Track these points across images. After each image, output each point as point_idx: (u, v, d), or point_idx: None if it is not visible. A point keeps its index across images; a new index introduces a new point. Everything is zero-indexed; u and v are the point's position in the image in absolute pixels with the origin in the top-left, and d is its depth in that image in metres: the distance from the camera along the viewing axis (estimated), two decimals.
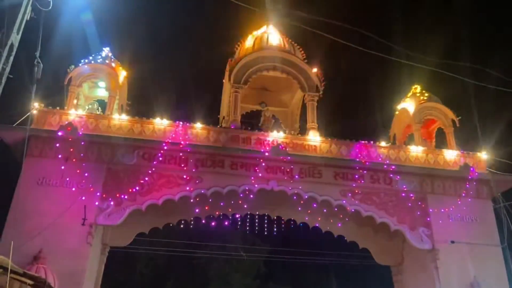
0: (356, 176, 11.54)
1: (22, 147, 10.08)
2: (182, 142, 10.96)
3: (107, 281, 12.02)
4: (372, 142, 12.17)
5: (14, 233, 9.06)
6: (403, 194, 11.62)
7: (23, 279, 7.13)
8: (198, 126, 11.46)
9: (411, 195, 11.66)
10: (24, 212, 9.68)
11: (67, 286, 9.10)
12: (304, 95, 13.14)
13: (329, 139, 11.99)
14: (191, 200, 10.78)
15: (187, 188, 10.67)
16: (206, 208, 11.43)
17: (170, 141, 10.95)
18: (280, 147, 11.40)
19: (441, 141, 13.33)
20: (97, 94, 13.04)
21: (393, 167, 11.74)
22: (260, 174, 11.11)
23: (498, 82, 10.90)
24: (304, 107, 13.52)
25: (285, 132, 12.26)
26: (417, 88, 13.86)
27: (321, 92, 12.73)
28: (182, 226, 12.19)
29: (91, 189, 10.25)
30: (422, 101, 13.28)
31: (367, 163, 11.64)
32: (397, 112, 13.99)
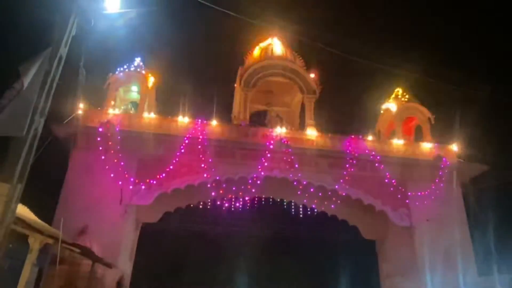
0: (347, 165, 11.68)
1: (70, 141, 10.46)
2: (200, 137, 11.13)
3: (139, 252, 12.05)
4: (360, 136, 12.25)
5: (65, 212, 9.25)
6: (387, 180, 11.79)
7: (72, 248, 7.37)
8: (214, 123, 11.59)
9: (393, 181, 11.76)
10: (73, 194, 9.89)
11: (108, 254, 9.25)
12: (303, 97, 13.18)
13: (324, 134, 12.04)
14: (208, 185, 10.96)
15: (205, 175, 10.86)
16: (221, 192, 11.51)
17: (190, 136, 11.10)
18: (283, 141, 11.49)
19: (419, 136, 13.32)
20: (130, 96, 13.17)
21: (378, 157, 11.86)
22: (266, 164, 11.25)
23: (469, 84, 10.75)
24: (303, 107, 13.57)
25: (287, 128, 12.32)
26: (399, 91, 13.81)
27: (317, 94, 12.81)
28: (201, 206, 12.34)
29: (126, 176, 10.44)
30: (403, 102, 13.31)
31: (356, 154, 11.76)
32: (382, 111, 14.03)
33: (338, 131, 12.28)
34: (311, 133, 12.00)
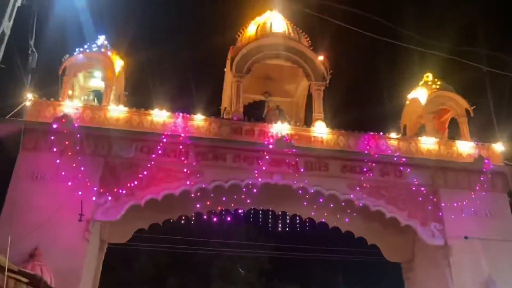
0: (365, 169, 11.62)
1: (15, 140, 10.29)
2: (182, 135, 11.02)
3: (106, 279, 12.04)
4: (381, 133, 12.23)
5: (9, 230, 8.90)
6: (414, 188, 11.64)
7: (18, 277, 7.18)
8: (199, 117, 11.50)
9: (422, 188, 11.72)
10: (19, 208, 9.71)
11: (64, 284, 9.12)
12: (309, 85, 13.17)
13: (336, 130, 12.02)
14: (192, 195, 10.84)
15: (188, 183, 10.74)
16: (208, 203, 11.43)
17: (169, 133, 11.00)
18: (285, 139, 11.44)
19: (454, 132, 13.34)
20: (93, 84, 13.06)
21: (404, 159, 11.80)
22: (263, 168, 11.18)
23: None
24: (310, 97, 13.56)
25: (290, 124, 12.31)
26: (428, 76, 13.82)
27: (327, 81, 12.74)
28: (183, 221, 12.26)
29: (88, 184, 10.30)
30: (434, 90, 13.25)
31: (376, 155, 11.71)
32: (407, 102, 13.98)
33: (354, 127, 12.28)
34: (320, 129, 12.00)
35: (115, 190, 10.42)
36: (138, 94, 13.05)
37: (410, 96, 13.84)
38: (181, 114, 11.41)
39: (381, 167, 11.72)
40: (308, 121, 13.26)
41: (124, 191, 10.42)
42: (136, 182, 10.54)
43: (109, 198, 10.32)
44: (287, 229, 13.03)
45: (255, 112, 13.32)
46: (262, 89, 14.36)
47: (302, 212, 12.51)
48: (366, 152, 11.72)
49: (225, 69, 13.93)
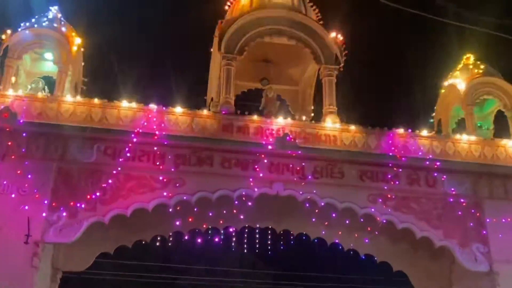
0: (389, 176, 11.64)
1: None
2: (157, 133, 10.95)
3: None
4: (409, 130, 12.22)
5: None
6: (451, 200, 11.72)
7: None
8: (178, 110, 11.45)
9: (462, 200, 11.74)
10: None
11: None
12: (319, 69, 13.14)
13: (353, 126, 12.01)
14: (170, 210, 10.76)
15: (164, 194, 10.68)
16: (190, 220, 11.50)
17: (141, 131, 10.94)
18: (288, 138, 11.38)
19: (501, 129, 13.42)
20: (42, 69, 13.00)
21: (438, 163, 11.78)
22: (261, 175, 11.13)
23: None
24: (319, 84, 13.52)
25: (294, 118, 12.35)
26: (469, 58, 13.84)
27: (342, 65, 12.75)
28: (158, 243, 12.21)
29: (37, 196, 10.22)
30: (477, 76, 13.25)
31: (403, 158, 11.69)
32: (442, 91, 13.97)
33: (375, 122, 12.30)
34: (332, 125, 12.01)
35: (71, 204, 10.33)
36: (101, 82, 13.16)
37: (446, 83, 13.85)
38: (155, 106, 11.35)
39: (410, 173, 11.73)
40: (317, 115, 13.25)
41: (82, 205, 10.34)
42: (98, 194, 10.47)
43: (64, 214, 10.22)
44: (291, 252, 13.41)
45: (250, 104, 13.29)
46: (258, 75, 14.42)
47: (310, 230, 12.53)
48: (390, 154, 11.72)
49: (211, 50, 13.92)
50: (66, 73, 11.96)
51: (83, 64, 12.97)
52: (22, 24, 11.85)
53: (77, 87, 12.73)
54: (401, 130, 12.16)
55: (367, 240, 12.26)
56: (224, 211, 11.48)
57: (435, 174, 11.79)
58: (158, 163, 10.87)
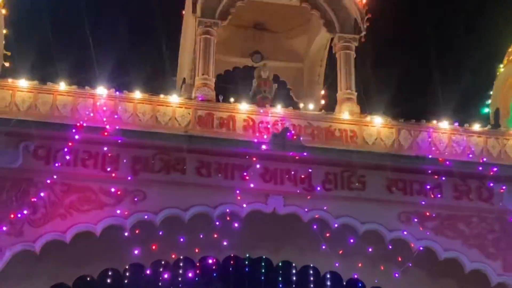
0: (428, 187, 11.62)
1: None
2: (107, 127, 10.84)
3: None
4: (456, 124, 12.30)
5: None
6: None
7: None
8: (137, 96, 11.39)
9: None
10: None
11: None
12: (332, 40, 13.25)
13: (379, 119, 12.06)
14: (126, 234, 10.72)
15: (118, 212, 10.57)
16: (154, 247, 11.30)
17: (85, 124, 10.78)
18: (289, 134, 11.30)
19: None
20: None
21: (495, 168, 11.74)
22: (252, 185, 11.10)
23: None
24: (331, 60, 13.68)
25: (297, 107, 12.45)
26: None
27: (363, 34, 12.79)
28: (109, 280, 12.04)
29: None
30: None
31: (447, 162, 11.65)
32: (501, 70, 14.03)
33: (407, 113, 12.42)
34: (350, 117, 12.04)
35: None
36: (30, 58, 12.60)
37: (506, 60, 13.95)
38: (106, 90, 11.26)
39: (457, 182, 11.74)
40: (329, 104, 13.40)
41: (4, 228, 10.14)
42: (26, 212, 10.27)
43: None
44: None
45: (237, 88, 13.30)
46: (249, 48, 14.56)
47: (319, 262, 12.39)
48: (430, 156, 11.72)
49: (183, 12, 13.96)
50: None
51: (5, 32, 12.63)
52: None
53: None
54: (444, 124, 12.20)
55: (397, 275, 11.97)
56: (201, 236, 11.25)
57: (491, 184, 11.74)
58: (109, 169, 10.76)
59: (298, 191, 11.16)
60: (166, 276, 12.09)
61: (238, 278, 13.02)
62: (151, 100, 11.37)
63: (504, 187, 11.68)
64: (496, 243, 11.44)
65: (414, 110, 12.71)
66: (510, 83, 13.86)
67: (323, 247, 11.58)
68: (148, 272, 11.89)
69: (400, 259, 11.77)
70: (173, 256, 11.77)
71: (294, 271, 12.67)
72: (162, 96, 11.53)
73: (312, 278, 12.67)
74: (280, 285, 12.89)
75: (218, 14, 12.30)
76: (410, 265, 11.81)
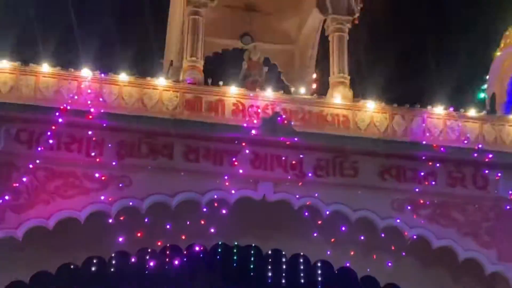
0: (422, 174, 11.60)
1: None
2: (92, 110, 10.75)
3: None
4: (451, 109, 12.25)
5: None
6: (508, 207, 11.70)
7: None
8: (123, 79, 11.29)
9: None
10: None
11: None
12: (324, 21, 13.27)
13: (372, 103, 12.01)
14: (110, 221, 10.67)
15: (102, 198, 10.56)
16: (139, 235, 11.18)
17: (69, 107, 10.68)
18: (279, 119, 11.28)
19: None
20: None
21: (491, 155, 11.72)
22: (241, 171, 11.09)
23: None
24: (324, 42, 13.78)
25: (288, 91, 12.45)
26: None
27: (357, 15, 12.78)
28: (94, 268, 11.90)
29: None
30: None
31: (442, 148, 11.64)
32: (498, 54, 13.89)
33: (401, 98, 12.38)
34: (343, 101, 12.04)
35: None
36: (12, 38, 12.49)
37: (502, 43, 13.83)
38: (90, 72, 11.14)
39: (451, 169, 11.72)
40: (321, 87, 13.39)
41: None
42: (7, 197, 10.20)
43: None
44: (283, 281, 12.96)
45: (226, 70, 13.04)
46: (238, 29, 14.60)
47: (309, 250, 12.27)
48: (424, 142, 11.70)
49: None
50: None
51: None
52: None
53: None
54: (439, 109, 12.14)
55: (390, 264, 11.92)
56: (188, 223, 11.19)
57: (487, 171, 11.73)
58: (93, 154, 10.71)
59: (288, 177, 11.16)
60: (152, 264, 12.10)
61: (226, 266, 12.98)
62: (137, 83, 11.31)
63: (499, 174, 11.69)
64: (491, 231, 11.46)
65: (408, 95, 12.61)
66: (506, 67, 13.80)
67: (314, 234, 11.59)
68: (133, 260, 11.81)
69: (393, 248, 11.77)
70: (159, 243, 11.71)
71: (283, 260, 12.66)
72: (148, 78, 11.47)
73: (302, 267, 12.62)
74: (270, 274, 12.83)
75: None
76: (404, 254, 11.86)
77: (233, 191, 10.91)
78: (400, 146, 11.59)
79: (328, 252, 12.07)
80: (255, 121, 11.27)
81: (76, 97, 10.85)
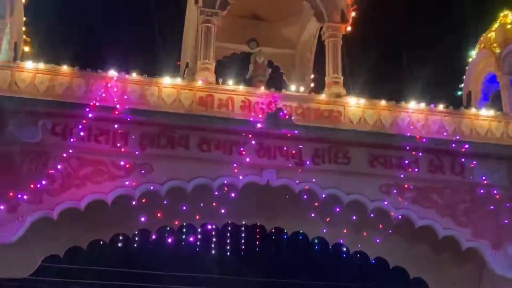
0: (406, 162, 11.81)
1: None
2: (118, 106, 11.01)
3: None
4: (432, 105, 12.36)
5: None
6: (482, 191, 11.92)
7: None
8: (145, 80, 11.52)
9: (495, 192, 11.93)
10: None
11: None
12: (321, 28, 13.23)
13: (363, 100, 12.15)
14: (134, 203, 10.94)
15: (127, 183, 10.80)
16: (159, 215, 11.61)
17: (98, 104, 10.98)
18: (281, 114, 11.51)
19: None
20: None
21: (467, 145, 11.95)
22: (248, 159, 11.30)
23: None
24: (321, 47, 13.55)
25: (288, 89, 12.45)
26: (507, 16, 13.72)
27: (349, 23, 12.86)
28: (120, 244, 12.35)
29: None
30: None
31: (423, 139, 11.86)
32: (473, 56, 14.03)
33: (388, 95, 12.47)
34: (337, 98, 12.17)
35: (11, 194, 10.33)
36: (48, 43, 13.04)
37: (477, 47, 13.93)
38: (116, 73, 11.38)
39: (432, 158, 11.94)
40: (318, 86, 13.35)
41: (25, 197, 10.34)
42: (44, 182, 10.47)
43: (1, 207, 10.26)
44: (284, 255, 13.56)
45: (235, 72, 13.38)
46: (246, 36, 14.57)
47: (308, 228, 12.71)
48: (408, 134, 11.87)
49: (187, 3, 14.00)
50: (3, 30, 11.79)
51: (24, 19, 12.85)
52: None
53: (17, 48, 12.66)
54: (421, 105, 12.28)
55: (378, 240, 12.43)
56: (202, 205, 11.60)
57: (463, 160, 11.95)
58: (119, 145, 10.96)
59: (289, 165, 11.40)
60: (170, 240, 12.41)
61: (234, 243, 13.29)
62: (157, 82, 11.43)
63: (474, 162, 11.91)
64: (467, 212, 11.71)
65: (395, 92, 12.81)
66: (479, 70, 13.95)
67: (312, 215, 12.06)
68: (154, 237, 12.30)
69: (381, 227, 12.19)
70: (177, 222, 12.18)
71: (285, 237, 12.96)
72: (167, 78, 11.61)
73: (301, 243, 13.08)
74: (273, 249, 13.07)
75: (218, 4, 12.32)
76: (390, 232, 12.32)
77: (240, 177, 11.15)
78: (387, 137, 11.81)
79: (324, 230, 12.60)
80: (260, 116, 11.48)
81: (104, 94, 11.09)
